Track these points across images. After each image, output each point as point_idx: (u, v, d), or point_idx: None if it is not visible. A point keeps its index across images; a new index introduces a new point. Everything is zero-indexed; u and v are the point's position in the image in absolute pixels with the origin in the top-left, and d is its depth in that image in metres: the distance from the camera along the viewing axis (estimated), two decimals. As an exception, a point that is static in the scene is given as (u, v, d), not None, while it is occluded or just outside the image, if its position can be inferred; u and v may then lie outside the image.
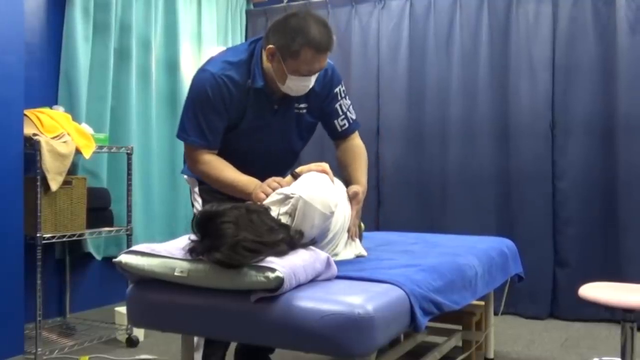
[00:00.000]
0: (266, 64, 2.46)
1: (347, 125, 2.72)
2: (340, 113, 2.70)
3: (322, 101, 2.65)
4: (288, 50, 2.35)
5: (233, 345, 2.83)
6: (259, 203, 2.21)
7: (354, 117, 2.76)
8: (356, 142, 2.77)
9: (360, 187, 2.54)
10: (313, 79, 2.46)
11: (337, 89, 2.66)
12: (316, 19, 2.37)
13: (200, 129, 2.45)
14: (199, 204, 2.65)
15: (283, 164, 2.69)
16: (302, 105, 2.61)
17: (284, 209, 2.09)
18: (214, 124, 2.46)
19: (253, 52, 2.50)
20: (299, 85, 2.44)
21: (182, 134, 2.51)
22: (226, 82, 2.44)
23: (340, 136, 2.75)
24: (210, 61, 2.54)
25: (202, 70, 2.50)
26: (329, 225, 2.21)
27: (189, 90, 2.53)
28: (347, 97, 2.72)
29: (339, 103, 2.68)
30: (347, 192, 2.49)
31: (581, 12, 4.33)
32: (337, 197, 2.25)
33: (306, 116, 2.65)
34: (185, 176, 2.77)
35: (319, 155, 2.95)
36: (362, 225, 2.65)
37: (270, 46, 2.38)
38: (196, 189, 2.68)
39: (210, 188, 2.59)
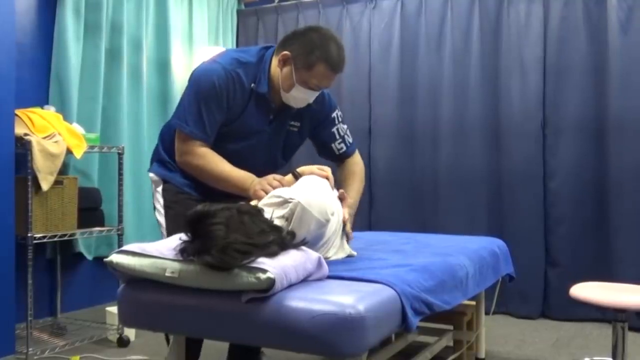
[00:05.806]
0: (274, 71, 2.48)
1: (344, 148, 2.81)
2: (338, 137, 2.78)
3: (316, 124, 2.71)
4: (304, 61, 2.40)
5: (224, 347, 2.82)
6: (255, 201, 2.20)
7: (351, 140, 2.85)
8: (355, 160, 2.86)
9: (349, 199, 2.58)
10: (314, 95, 2.51)
11: (334, 114, 2.75)
12: (335, 40, 2.44)
13: (202, 121, 2.42)
14: (160, 205, 2.59)
15: (261, 174, 2.65)
16: (295, 124, 2.64)
17: (280, 212, 2.08)
18: (214, 118, 2.44)
19: (262, 57, 2.51)
20: (301, 97, 2.49)
21: (181, 122, 2.45)
22: (234, 79, 2.44)
23: (339, 159, 2.84)
24: (220, 55, 2.53)
25: (211, 62, 2.48)
26: (324, 231, 2.22)
27: (194, 80, 2.47)
28: (343, 122, 2.81)
29: (335, 128, 2.76)
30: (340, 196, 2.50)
31: (572, 11, 4.34)
32: (335, 204, 2.26)
33: (295, 135, 2.68)
34: (152, 174, 2.65)
35: (313, 156, 2.94)
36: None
37: (286, 52, 2.42)
38: (159, 189, 2.60)
39: (173, 189, 2.55)
